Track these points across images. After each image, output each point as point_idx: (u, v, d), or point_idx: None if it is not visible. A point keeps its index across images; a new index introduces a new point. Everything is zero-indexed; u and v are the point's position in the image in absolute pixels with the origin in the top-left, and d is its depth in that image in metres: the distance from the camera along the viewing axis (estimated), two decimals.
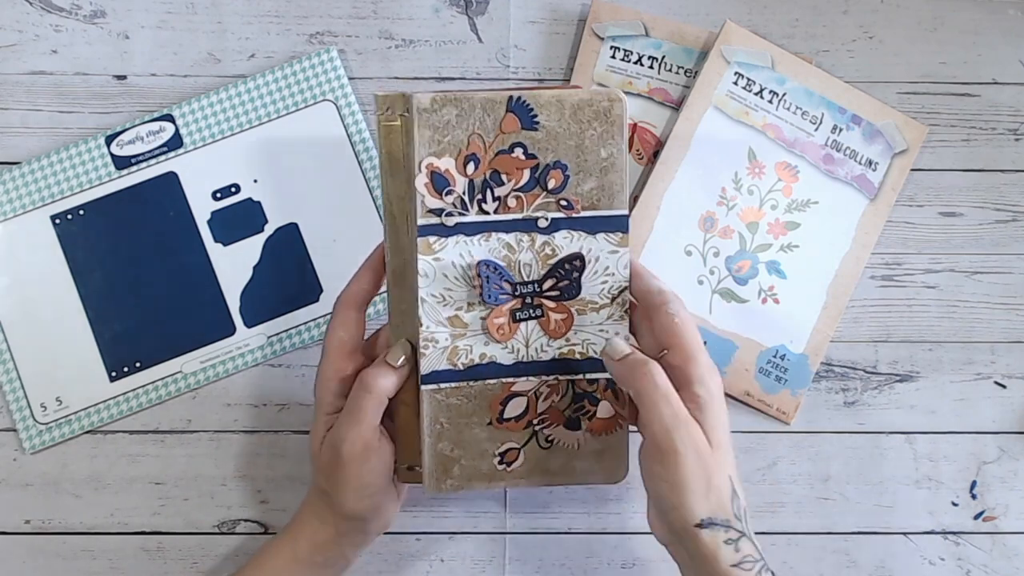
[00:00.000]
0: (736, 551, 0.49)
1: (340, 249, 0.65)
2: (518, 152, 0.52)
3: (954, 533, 0.64)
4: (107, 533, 0.63)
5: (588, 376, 0.55)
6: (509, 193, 0.53)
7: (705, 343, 0.64)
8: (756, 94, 0.66)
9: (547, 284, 0.54)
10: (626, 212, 0.53)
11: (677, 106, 0.67)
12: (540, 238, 0.53)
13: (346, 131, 0.66)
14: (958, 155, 0.68)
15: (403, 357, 0.53)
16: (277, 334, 0.65)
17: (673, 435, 0.49)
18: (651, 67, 0.67)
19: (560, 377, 0.55)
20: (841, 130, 0.66)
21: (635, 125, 0.67)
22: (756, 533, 0.50)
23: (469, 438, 0.56)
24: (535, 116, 0.52)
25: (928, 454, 0.65)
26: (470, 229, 0.53)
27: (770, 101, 0.66)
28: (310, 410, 0.64)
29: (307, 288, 0.65)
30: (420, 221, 0.52)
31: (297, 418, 0.64)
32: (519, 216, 0.53)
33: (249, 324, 0.65)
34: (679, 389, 0.51)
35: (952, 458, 0.65)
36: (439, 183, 0.52)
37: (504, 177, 0.52)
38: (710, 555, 0.48)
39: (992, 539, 0.64)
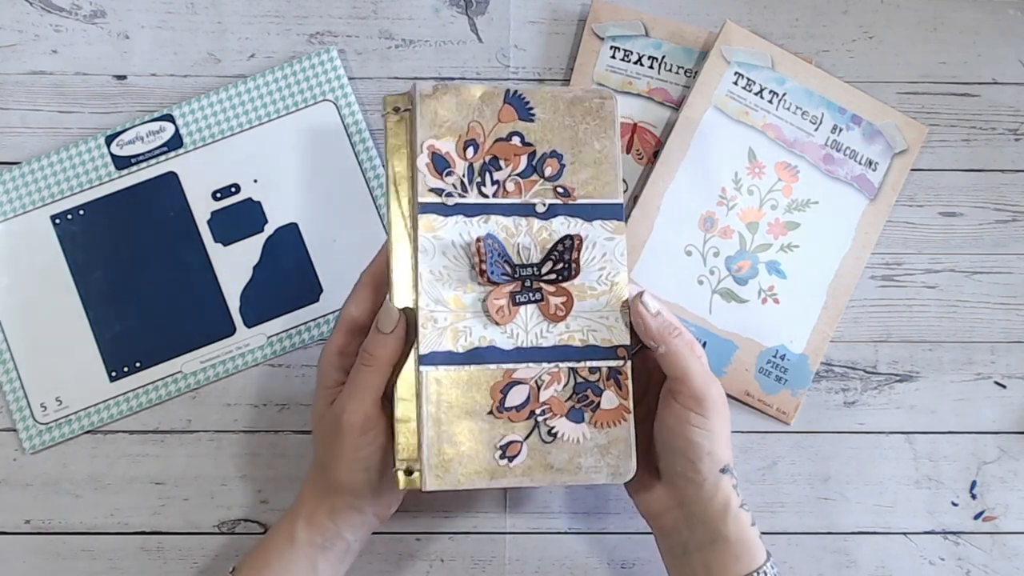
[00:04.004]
0: (738, 495, 0.54)
1: (340, 249, 0.65)
2: (515, 140, 0.55)
3: (954, 533, 0.64)
4: (107, 533, 0.63)
5: (589, 364, 0.55)
6: (507, 178, 0.54)
7: (705, 343, 0.65)
8: (756, 94, 0.66)
9: (546, 267, 0.54)
10: (621, 201, 0.55)
11: (677, 106, 0.67)
12: (538, 223, 0.55)
13: (346, 131, 0.66)
14: (958, 155, 0.68)
15: (393, 321, 0.52)
16: (277, 334, 0.65)
17: (712, 386, 0.53)
18: (651, 67, 0.67)
19: (561, 364, 0.55)
20: (841, 130, 0.66)
21: (635, 125, 0.67)
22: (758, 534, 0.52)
23: (469, 429, 0.55)
24: (531, 108, 0.55)
25: (928, 454, 0.65)
26: (470, 210, 0.54)
27: (770, 101, 0.66)
28: (310, 410, 0.64)
29: (307, 288, 0.65)
30: (421, 199, 0.53)
31: (297, 418, 0.64)
32: (518, 201, 0.54)
33: (249, 324, 0.65)
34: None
35: (952, 458, 0.65)
36: (439, 164, 0.54)
37: (502, 163, 0.54)
38: (726, 499, 0.53)
39: (992, 539, 0.64)
